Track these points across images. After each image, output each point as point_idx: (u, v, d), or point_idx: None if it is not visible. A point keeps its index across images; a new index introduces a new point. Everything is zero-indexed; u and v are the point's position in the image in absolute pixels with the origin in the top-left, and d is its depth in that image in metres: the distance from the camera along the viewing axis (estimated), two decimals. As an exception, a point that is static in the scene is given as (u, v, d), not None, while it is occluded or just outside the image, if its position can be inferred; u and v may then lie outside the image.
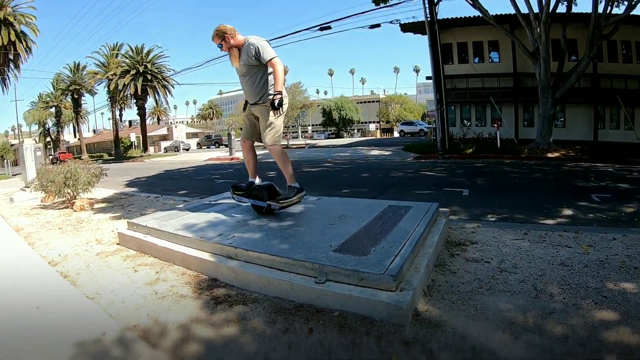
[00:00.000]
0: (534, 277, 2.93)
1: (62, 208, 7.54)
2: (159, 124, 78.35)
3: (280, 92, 3.94)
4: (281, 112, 4.10)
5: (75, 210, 7.06)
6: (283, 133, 4.49)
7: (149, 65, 42.30)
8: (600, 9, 16.20)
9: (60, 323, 2.64)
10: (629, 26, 18.52)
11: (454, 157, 16.59)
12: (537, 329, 2.21)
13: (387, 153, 20.25)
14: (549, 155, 15.78)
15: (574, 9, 18.19)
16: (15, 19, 31.99)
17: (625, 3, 16.38)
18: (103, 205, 7.72)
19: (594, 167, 12.75)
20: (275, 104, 3.91)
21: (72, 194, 7.65)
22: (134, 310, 2.73)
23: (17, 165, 44.88)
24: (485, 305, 2.50)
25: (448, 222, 4.36)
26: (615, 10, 16.62)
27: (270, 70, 4.07)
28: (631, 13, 16.17)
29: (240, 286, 2.97)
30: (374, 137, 53.60)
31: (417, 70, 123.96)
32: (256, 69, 4.13)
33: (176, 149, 48.40)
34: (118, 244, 4.49)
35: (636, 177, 10.32)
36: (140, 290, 3.09)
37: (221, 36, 4.14)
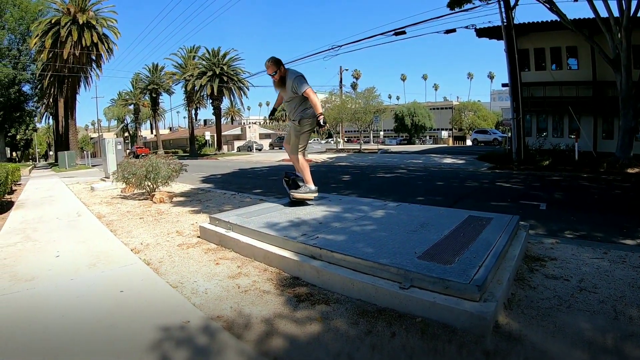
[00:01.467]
0: (614, 299, 2.83)
1: (142, 199, 7.96)
2: (232, 124, 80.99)
3: (322, 114, 4.92)
4: (313, 128, 5.30)
5: (154, 202, 7.43)
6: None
7: (225, 67, 43.86)
8: None
9: (145, 308, 2.78)
10: None
11: (529, 168, 15.91)
12: (616, 351, 2.17)
13: (460, 162, 19.86)
14: (629, 170, 14.70)
15: None
16: (97, 22, 33.96)
17: None
18: (181, 199, 8.08)
19: None
20: (322, 123, 4.88)
21: (152, 186, 8.06)
22: (217, 302, 2.85)
23: (95, 156, 48.01)
24: (564, 323, 2.45)
25: (528, 236, 4.26)
26: None
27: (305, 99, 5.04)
28: None
29: (322, 286, 3.03)
30: (446, 145, 52.42)
31: (491, 77, 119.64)
32: (296, 98, 5.08)
33: (249, 148, 49.74)
34: (199, 236, 4.70)
35: None
36: (223, 282, 3.22)
37: (278, 66, 5.00)
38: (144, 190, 8.29)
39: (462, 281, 2.51)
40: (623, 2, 15.04)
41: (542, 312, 2.59)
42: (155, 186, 8.09)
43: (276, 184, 11.54)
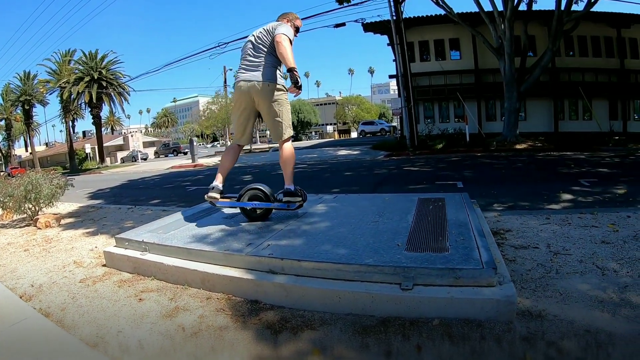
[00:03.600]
0: (589, 257, 2.90)
1: (23, 226, 6.64)
2: (113, 134, 75.10)
3: None
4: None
5: (39, 228, 6.19)
6: None
7: (103, 72, 39.81)
8: (563, 6, 16.84)
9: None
10: (586, 22, 19.71)
11: (424, 153, 16.51)
12: (626, 303, 2.17)
13: (355, 152, 19.98)
14: (518, 147, 16.10)
15: (534, 7, 19.09)
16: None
17: (585, 0, 17.15)
18: (71, 220, 6.87)
19: (566, 156, 13.13)
20: None
21: (34, 209, 6.79)
22: (165, 359, 2.03)
23: (-37, 185, 41.97)
24: (565, 288, 2.39)
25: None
26: (575, 7, 17.45)
27: None
28: (590, 10, 17.05)
29: (294, 306, 2.37)
30: (333, 139, 53.67)
31: (371, 72, 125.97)
32: None
33: (134, 158, 46.73)
34: (104, 265, 3.71)
35: (610, 162, 10.83)
36: (159, 326, 2.34)
37: None
38: (25, 215, 6.95)
39: (475, 267, 2.17)
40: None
41: (539, 283, 2.49)
42: (38, 208, 6.81)
43: (173, 192, 10.74)
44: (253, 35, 3.85)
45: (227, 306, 2.48)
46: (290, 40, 3.58)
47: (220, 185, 3.89)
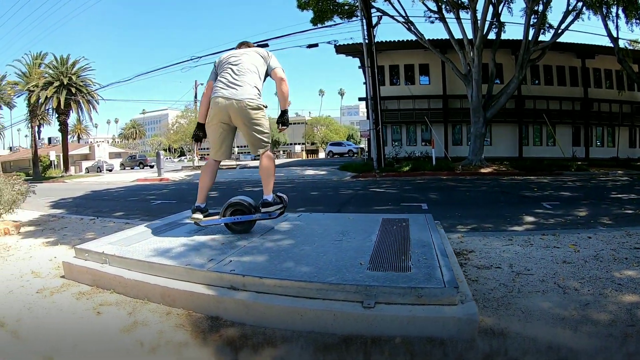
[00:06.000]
0: (550, 276, 2.97)
1: (-18, 233, 6.37)
2: (79, 142, 72.71)
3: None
4: None
5: (-2, 234, 5.95)
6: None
7: (73, 78, 38.16)
8: (530, 36, 17.68)
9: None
10: (553, 52, 20.99)
11: (391, 175, 16.58)
12: (587, 320, 2.23)
13: (322, 173, 19.88)
14: (482, 170, 16.48)
15: (503, 36, 19.75)
16: None
17: (552, 31, 18.28)
18: (31, 228, 6.62)
19: (529, 180, 13.59)
20: None
21: (-7, 215, 6.50)
22: None
23: None
24: (527, 307, 2.43)
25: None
26: (542, 38, 18.47)
27: None
28: (556, 40, 18.11)
29: (255, 323, 2.34)
30: (300, 158, 53.45)
31: (341, 94, 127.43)
32: None
33: (99, 169, 45.20)
34: (63, 276, 3.58)
35: (572, 186, 11.30)
36: (117, 341, 2.27)
37: None
38: (-17, 221, 6.65)
39: (437, 286, 2.19)
40: (478, 22, 17.25)
41: (501, 302, 2.52)
42: (-3, 214, 6.52)
43: (137, 205, 10.45)
44: (235, 54, 3.84)
45: (187, 322, 2.43)
46: None
47: (202, 205, 3.86)
